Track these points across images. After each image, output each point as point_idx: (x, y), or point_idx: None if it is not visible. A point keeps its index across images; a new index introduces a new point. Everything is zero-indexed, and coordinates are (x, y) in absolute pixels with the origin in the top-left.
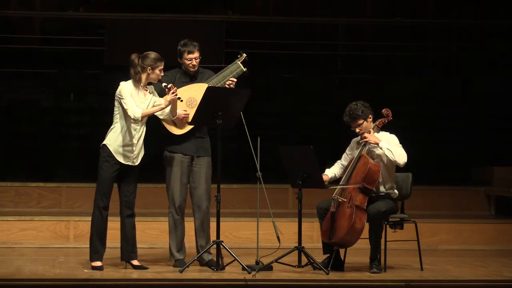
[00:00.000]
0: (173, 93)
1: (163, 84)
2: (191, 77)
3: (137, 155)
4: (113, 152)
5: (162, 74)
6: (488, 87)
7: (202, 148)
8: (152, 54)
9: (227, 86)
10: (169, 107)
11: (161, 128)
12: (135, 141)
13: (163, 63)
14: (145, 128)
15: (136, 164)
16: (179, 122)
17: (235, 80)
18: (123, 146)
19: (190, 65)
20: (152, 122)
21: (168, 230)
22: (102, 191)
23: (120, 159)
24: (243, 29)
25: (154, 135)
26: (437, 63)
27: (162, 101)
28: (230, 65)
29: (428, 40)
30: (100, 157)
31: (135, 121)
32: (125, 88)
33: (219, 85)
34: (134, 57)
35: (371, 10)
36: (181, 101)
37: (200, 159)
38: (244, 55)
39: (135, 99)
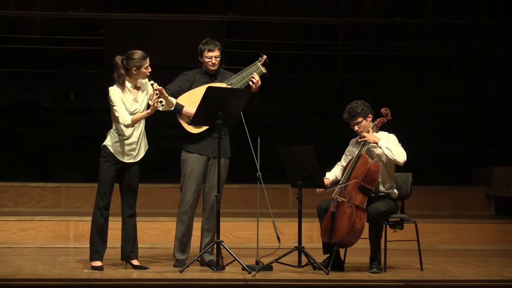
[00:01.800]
0: (156, 94)
1: (150, 82)
2: (211, 77)
3: (138, 151)
4: (113, 152)
5: (150, 70)
6: (488, 87)
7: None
8: (136, 54)
9: (250, 83)
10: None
11: (178, 127)
12: (135, 138)
13: (148, 60)
14: (144, 123)
15: (138, 160)
16: None
17: (257, 79)
18: (124, 145)
19: (210, 63)
20: (149, 122)
21: (175, 229)
22: (102, 191)
23: (121, 158)
24: (243, 29)
25: (155, 135)
26: (437, 63)
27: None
28: (250, 66)
29: (428, 40)
30: (101, 157)
31: (127, 126)
32: (114, 94)
33: (237, 85)
34: (118, 59)
35: (371, 10)
36: (162, 105)
37: (217, 160)
38: (265, 56)
39: (125, 102)
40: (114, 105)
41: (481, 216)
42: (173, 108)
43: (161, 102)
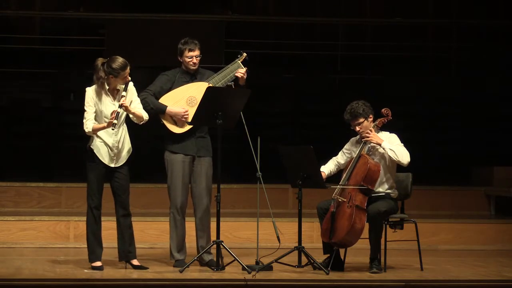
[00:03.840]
0: (116, 112)
1: (122, 94)
2: (191, 76)
3: (120, 157)
4: (95, 153)
5: (129, 79)
6: (488, 87)
7: (203, 148)
8: (115, 64)
9: (238, 76)
10: (136, 111)
11: (161, 127)
12: (115, 143)
13: (127, 70)
14: (124, 128)
15: (118, 165)
16: (179, 120)
17: (243, 74)
18: (105, 147)
19: (191, 63)
20: (152, 121)
21: (169, 230)
22: (91, 191)
23: (103, 160)
24: (243, 29)
25: (154, 135)
26: (437, 63)
27: (136, 99)
28: (230, 64)
29: (428, 40)
30: (86, 158)
31: (88, 134)
32: (88, 96)
33: (219, 84)
34: (99, 61)
35: (371, 10)
36: (113, 129)
37: (202, 159)
38: (245, 54)
39: (101, 105)
40: (85, 108)
41: (481, 216)
42: (143, 122)
43: (113, 124)
